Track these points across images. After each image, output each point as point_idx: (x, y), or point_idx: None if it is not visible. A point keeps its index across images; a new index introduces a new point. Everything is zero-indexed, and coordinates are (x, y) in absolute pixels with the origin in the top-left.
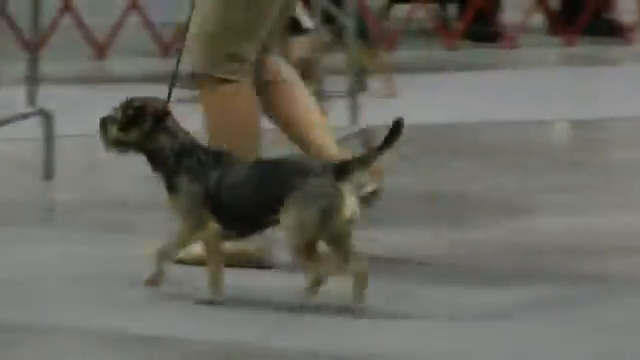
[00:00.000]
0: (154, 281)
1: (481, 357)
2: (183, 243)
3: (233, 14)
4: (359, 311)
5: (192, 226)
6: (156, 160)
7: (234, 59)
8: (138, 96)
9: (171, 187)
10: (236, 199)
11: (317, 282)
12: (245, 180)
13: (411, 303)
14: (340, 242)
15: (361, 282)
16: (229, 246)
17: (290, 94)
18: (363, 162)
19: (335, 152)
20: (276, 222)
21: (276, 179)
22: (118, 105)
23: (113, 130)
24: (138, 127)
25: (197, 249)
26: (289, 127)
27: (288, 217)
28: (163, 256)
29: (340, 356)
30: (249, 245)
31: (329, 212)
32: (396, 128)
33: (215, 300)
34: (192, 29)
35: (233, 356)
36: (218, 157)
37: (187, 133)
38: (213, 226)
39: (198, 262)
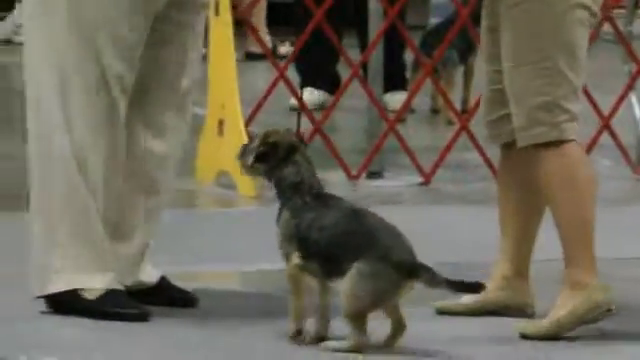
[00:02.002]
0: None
1: None
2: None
3: None
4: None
5: (284, 257)
6: (278, 189)
7: None
8: (275, 129)
9: (278, 217)
10: (319, 241)
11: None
12: (332, 226)
13: None
14: (389, 310)
15: (399, 331)
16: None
17: None
18: (431, 282)
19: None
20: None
21: (358, 236)
22: (257, 136)
23: (249, 159)
24: (269, 160)
25: None
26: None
27: (346, 280)
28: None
29: None
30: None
31: (382, 294)
32: (476, 288)
33: (297, 329)
34: None
35: None
36: (320, 198)
37: (311, 171)
38: (296, 260)
39: None
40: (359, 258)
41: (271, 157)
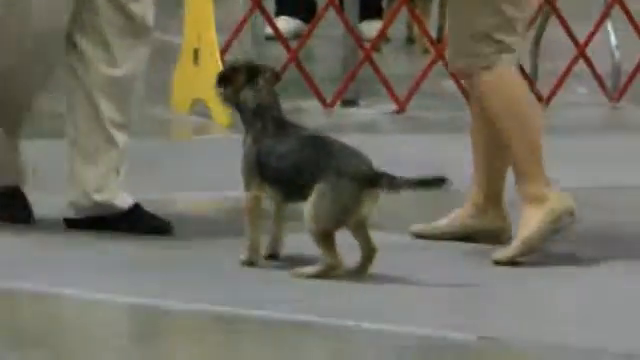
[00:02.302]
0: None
1: None
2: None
3: None
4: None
5: (245, 185)
6: (241, 114)
7: None
8: (247, 58)
9: (243, 143)
10: (279, 166)
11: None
12: (291, 152)
13: None
14: (357, 229)
15: (369, 258)
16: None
17: None
18: (391, 186)
19: None
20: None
21: (315, 162)
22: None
23: (221, 88)
24: (231, 84)
25: None
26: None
27: (309, 203)
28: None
29: None
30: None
31: (345, 210)
32: (439, 182)
33: (252, 260)
34: None
35: None
36: (280, 125)
37: (272, 97)
38: (255, 191)
39: None
40: (318, 180)
41: (233, 81)
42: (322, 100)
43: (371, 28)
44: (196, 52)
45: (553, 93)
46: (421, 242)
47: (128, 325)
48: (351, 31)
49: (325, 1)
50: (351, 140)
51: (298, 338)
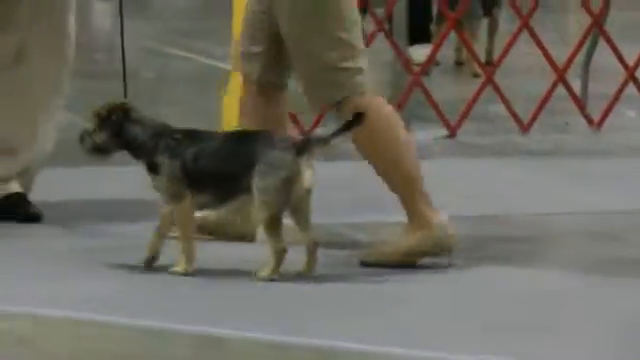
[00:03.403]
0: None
1: None
2: (168, 219)
3: None
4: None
5: (171, 199)
6: (132, 149)
7: None
8: (99, 105)
9: (152, 168)
10: (211, 168)
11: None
12: (218, 150)
13: None
14: (300, 212)
15: (313, 252)
16: (211, 217)
17: None
18: (321, 141)
19: None
20: (247, 190)
21: (245, 150)
22: (90, 116)
23: (90, 139)
24: (109, 128)
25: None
26: None
27: (254, 187)
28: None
29: None
30: (229, 216)
31: (288, 181)
32: (357, 119)
33: (187, 271)
34: None
35: None
36: (192, 134)
37: (154, 119)
38: (187, 198)
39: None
40: (255, 164)
41: (111, 125)
42: None
43: (420, 52)
44: None
45: (604, 117)
46: None
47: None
48: (400, 55)
49: (374, 26)
50: None
51: None
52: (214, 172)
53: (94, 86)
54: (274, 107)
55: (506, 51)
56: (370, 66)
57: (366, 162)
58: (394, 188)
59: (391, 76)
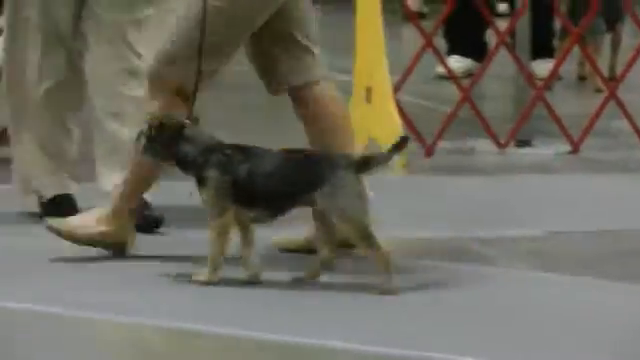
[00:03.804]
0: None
1: None
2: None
3: None
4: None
5: (217, 213)
6: (183, 164)
7: None
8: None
9: (201, 182)
10: (268, 186)
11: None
12: (277, 168)
13: None
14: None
15: (387, 267)
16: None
17: None
18: (382, 160)
19: None
20: (303, 205)
21: (307, 168)
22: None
23: (142, 142)
24: (159, 141)
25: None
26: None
27: (332, 211)
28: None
29: None
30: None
31: (363, 197)
32: (403, 142)
33: (211, 280)
34: None
35: None
36: (243, 150)
37: (206, 134)
38: (230, 212)
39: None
40: (319, 185)
41: (161, 139)
42: (496, 140)
43: (543, 67)
44: (368, 91)
45: None
46: None
47: None
48: (523, 70)
49: (497, 40)
50: (525, 180)
51: None
52: (271, 190)
53: (236, 99)
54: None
55: (629, 66)
56: (493, 80)
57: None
58: None
59: (514, 90)
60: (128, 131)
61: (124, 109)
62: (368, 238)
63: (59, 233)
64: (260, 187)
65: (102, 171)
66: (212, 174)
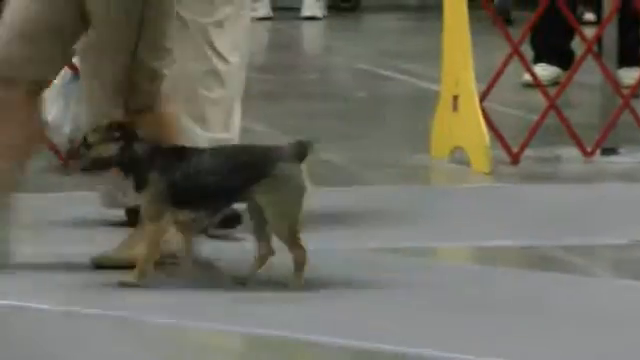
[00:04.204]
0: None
1: None
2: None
3: None
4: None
5: (154, 217)
6: (131, 167)
7: None
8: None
9: (140, 185)
10: (209, 185)
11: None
12: (216, 167)
13: None
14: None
15: (302, 266)
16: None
17: None
18: (313, 145)
19: None
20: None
21: (247, 164)
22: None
23: (91, 152)
24: (115, 142)
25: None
26: None
27: (268, 206)
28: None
29: None
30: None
31: (302, 190)
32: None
33: (139, 284)
34: None
35: None
36: (180, 151)
37: (152, 138)
38: (168, 216)
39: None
40: (259, 179)
41: (117, 140)
42: (582, 148)
43: (629, 75)
44: (455, 99)
45: None
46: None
47: None
48: (609, 78)
49: (583, 48)
50: (611, 189)
51: None
52: (210, 189)
53: (305, 107)
54: None
55: None
56: (579, 88)
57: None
58: None
59: (600, 98)
60: (209, 134)
61: (204, 112)
62: (296, 234)
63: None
64: (199, 187)
65: None
66: (153, 176)
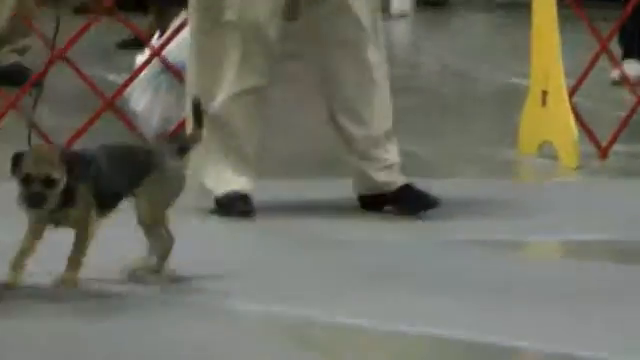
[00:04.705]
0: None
1: None
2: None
3: None
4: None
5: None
6: (72, 193)
7: None
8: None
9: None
10: (113, 183)
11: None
12: (111, 167)
13: None
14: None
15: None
16: None
17: None
18: (196, 138)
19: None
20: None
21: (134, 161)
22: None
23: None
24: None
25: None
26: None
27: (144, 194)
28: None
29: None
30: None
31: (180, 189)
32: (196, 108)
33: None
34: None
35: None
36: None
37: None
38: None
39: None
40: (148, 172)
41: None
42: None
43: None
44: (544, 94)
45: None
46: None
47: None
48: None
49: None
50: None
51: None
52: (114, 187)
53: (395, 102)
54: None
55: None
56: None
57: None
58: None
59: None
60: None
61: (363, 110)
62: (158, 224)
63: None
64: (106, 189)
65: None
66: (82, 192)
